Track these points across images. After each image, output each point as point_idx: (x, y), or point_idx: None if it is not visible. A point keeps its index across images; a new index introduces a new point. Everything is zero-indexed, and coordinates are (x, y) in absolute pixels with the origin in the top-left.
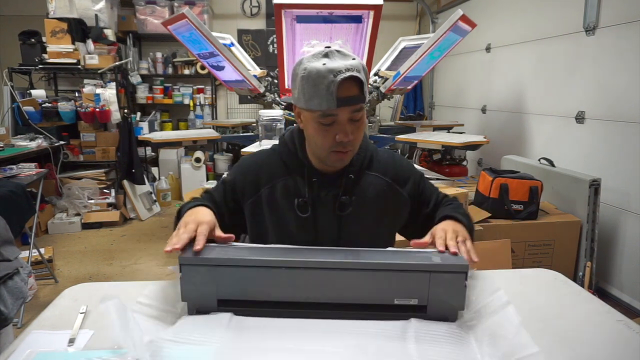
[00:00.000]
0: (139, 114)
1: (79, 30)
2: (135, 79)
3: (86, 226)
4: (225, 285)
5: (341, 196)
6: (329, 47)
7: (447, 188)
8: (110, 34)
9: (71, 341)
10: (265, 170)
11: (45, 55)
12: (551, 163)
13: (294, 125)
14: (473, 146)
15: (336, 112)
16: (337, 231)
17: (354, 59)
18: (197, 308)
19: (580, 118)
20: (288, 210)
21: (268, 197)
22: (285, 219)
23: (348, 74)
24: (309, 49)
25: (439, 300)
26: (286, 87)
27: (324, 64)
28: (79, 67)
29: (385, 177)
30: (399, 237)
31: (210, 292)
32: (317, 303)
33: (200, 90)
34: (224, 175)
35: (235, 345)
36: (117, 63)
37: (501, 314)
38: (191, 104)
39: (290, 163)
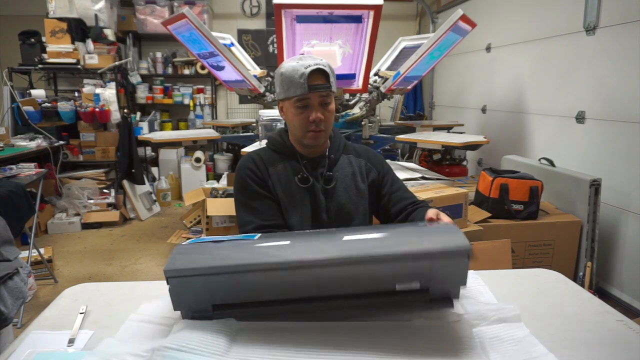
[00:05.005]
0: (138, 114)
1: (78, 30)
2: (135, 78)
3: (86, 226)
4: (218, 291)
5: (326, 172)
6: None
7: (447, 188)
8: (110, 33)
9: (71, 341)
10: (264, 158)
11: (45, 55)
12: (551, 163)
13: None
14: (473, 146)
15: (309, 96)
16: (325, 202)
17: (322, 60)
18: (192, 315)
19: (580, 118)
20: (292, 183)
21: (275, 175)
22: (292, 191)
23: (315, 66)
24: (309, 49)
25: (441, 282)
26: None
27: (297, 62)
28: (79, 67)
29: (359, 157)
30: None
31: (202, 299)
32: (317, 297)
33: (200, 90)
34: (234, 191)
35: (239, 356)
36: (117, 63)
37: (509, 324)
38: (191, 104)
39: (282, 151)
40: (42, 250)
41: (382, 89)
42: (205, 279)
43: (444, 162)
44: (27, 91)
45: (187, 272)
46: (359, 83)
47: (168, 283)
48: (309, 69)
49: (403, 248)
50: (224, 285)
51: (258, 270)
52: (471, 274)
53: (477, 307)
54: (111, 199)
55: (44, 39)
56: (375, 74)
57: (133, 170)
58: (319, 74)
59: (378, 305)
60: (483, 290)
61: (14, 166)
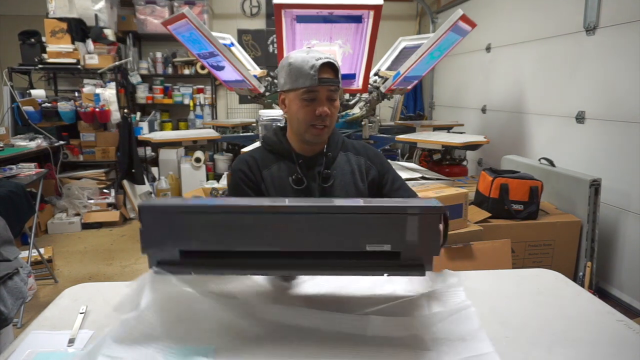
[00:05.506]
0: (138, 114)
1: (78, 30)
2: (135, 79)
3: (86, 226)
4: (186, 235)
5: (324, 170)
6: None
7: (447, 188)
8: (110, 33)
9: (71, 341)
10: (259, 160)
11: (45, 55)
12: (551, 163)
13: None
14: (473, 146)
15: (317, 89)
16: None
17: (330, 55)
18: (159, 260)
19: (580, 118)
20: (286, 185)
21: (269, 177)
22: (286, 193)
23: (326, 59)
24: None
25: (412, 245)
26: None
27: (307, 53)
28: (79, 67)
29: (358, 155)
30: None
31: (171, 242)
32: (284, 252)
33: (200, 90)
34: (228, 191)
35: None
36: (117, 63)
37: (461, 315)
38: (191, 104)
39: (277, 151)
40: (42, 250)
41: (382, 89)
42: (177, 217)
43: (444, 162)
44: (27, 91)
45: (161, 209)
46: (359, 83)
47: (140, 220)
48: (319, 61)
49: (376, 203)
50: (192, 228)
51: (229, 212)
52: (453, 275)
53: (440, 307)
54: (111, 199)
55: (44, 39)
56: (375, 74)
57: (133, 170)
58: (329, 68)
59: (348, 266)
60: (459, 293)
61: (14, 166)
